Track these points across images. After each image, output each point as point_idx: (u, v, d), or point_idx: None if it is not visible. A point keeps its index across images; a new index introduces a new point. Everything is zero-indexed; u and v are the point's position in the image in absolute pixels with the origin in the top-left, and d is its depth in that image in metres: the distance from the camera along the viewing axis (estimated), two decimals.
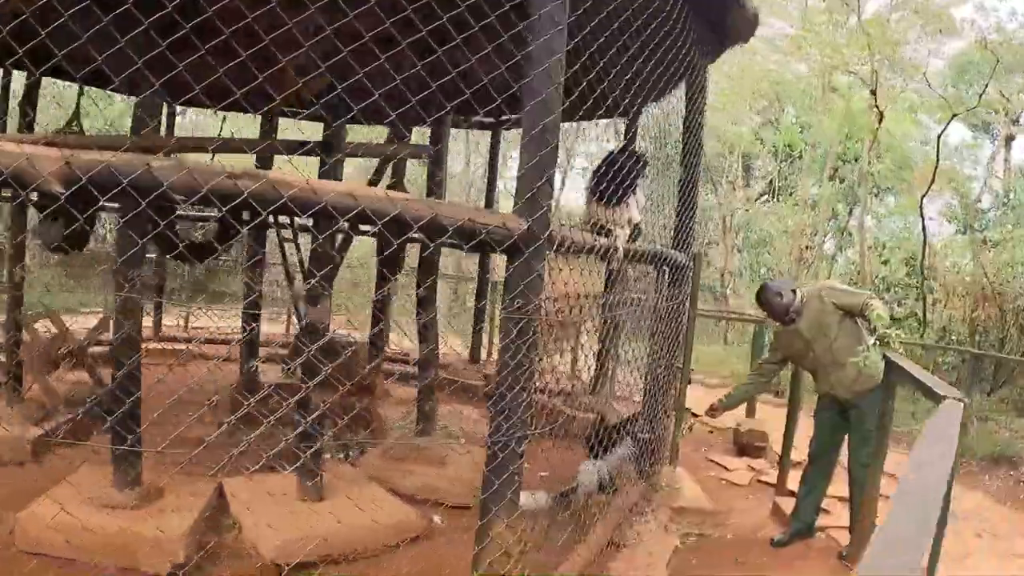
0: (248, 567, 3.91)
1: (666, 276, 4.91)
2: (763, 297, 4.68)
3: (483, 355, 9.54)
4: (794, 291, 4.65)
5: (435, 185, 5.42)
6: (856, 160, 15.68)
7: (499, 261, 12.23)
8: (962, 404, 2.70)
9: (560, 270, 3.50)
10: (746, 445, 7.04)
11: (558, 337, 3.63)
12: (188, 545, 3.95)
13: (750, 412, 7.76)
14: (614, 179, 3.79)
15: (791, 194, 16.49)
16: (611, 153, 4.28)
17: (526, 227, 2.85)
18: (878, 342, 4.10)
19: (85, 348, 6.38)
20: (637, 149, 4.13)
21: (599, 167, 4.01)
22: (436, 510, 5.27)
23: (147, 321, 8.83)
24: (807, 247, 16.80)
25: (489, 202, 8.95)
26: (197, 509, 4.35)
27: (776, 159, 17.65)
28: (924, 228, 14.63)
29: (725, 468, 6.57)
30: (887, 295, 14.49)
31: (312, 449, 4.65)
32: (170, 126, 8.14)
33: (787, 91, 17.61)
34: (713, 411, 5.14)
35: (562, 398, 7.74)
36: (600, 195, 3.88)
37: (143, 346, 8.53)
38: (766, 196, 18.43)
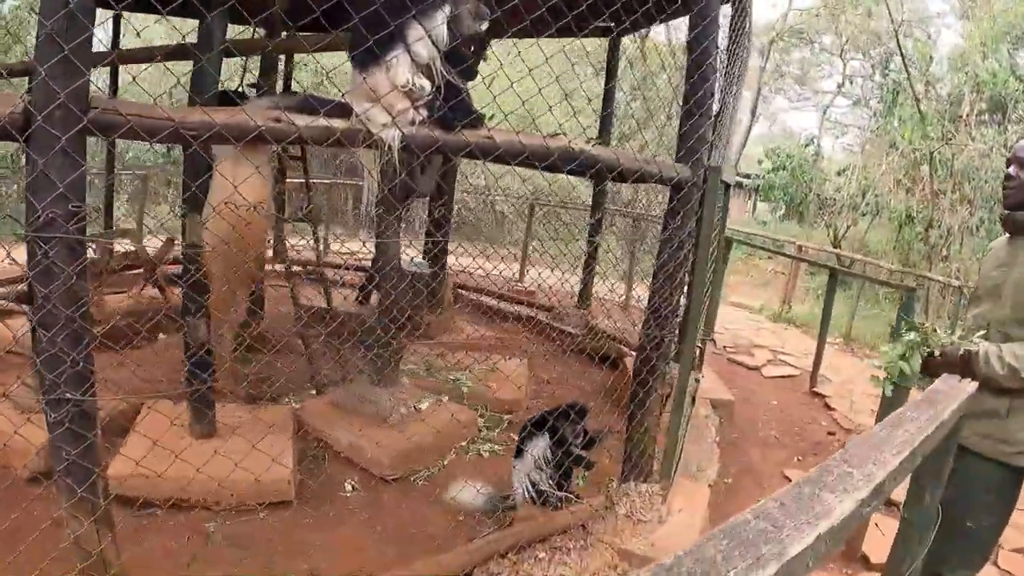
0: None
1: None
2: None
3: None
4: None
5: None
6: None
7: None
8: None
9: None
10: None
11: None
12: (45, 457, 3.57)
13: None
14: (364, 25, 2.04)
15: None
16: None
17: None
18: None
19: (155, 266, 6.15)
20: None
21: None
22: (355, 476, 4.05)
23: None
24: None
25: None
26: None
27: None
28: None
29: None
30: None
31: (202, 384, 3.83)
32: None
33: None
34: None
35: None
36: (351, 55, 2.17)
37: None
38: None
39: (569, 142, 2.57)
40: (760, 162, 18.61)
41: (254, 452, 3.48)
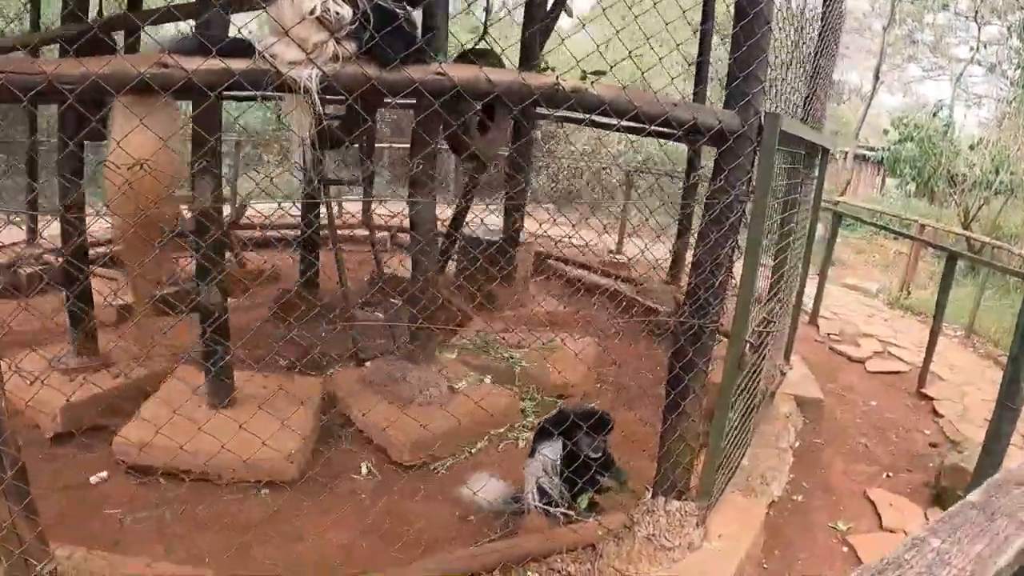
0: (101, 454, 3.42)
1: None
2: None
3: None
4: None
5: None
6: None
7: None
8: None
9: None
10: (945, 492, 3.53)
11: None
12: (64, 421, 3.59)
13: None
14: None
15: None
16: None
17: None
18: None
19: (228, 229, 6.07)
20: None
21: None
22: (372, 459, 3.66)
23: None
24: None
25: None
26: (101, 388, 3.65)
27: None
28: None
29: (879, 521, 3.36)
30: None
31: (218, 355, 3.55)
32: None
33: None
34: None
35: None
36: None
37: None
38: None
39: (557, 78, 1.94)
40: (886, 132, 16.41)
41: (262, 426, 3.15)
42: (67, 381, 3.77)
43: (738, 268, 2.61)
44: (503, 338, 5.20)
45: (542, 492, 2.83)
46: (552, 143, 14.04)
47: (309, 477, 3.35)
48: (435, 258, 3.99)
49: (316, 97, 1.68)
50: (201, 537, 2.92)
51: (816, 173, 4.60)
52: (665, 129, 2.26)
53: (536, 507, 2.82)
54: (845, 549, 3.13)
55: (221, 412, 3.59)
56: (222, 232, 6.10)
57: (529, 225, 7.79)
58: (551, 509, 2.75)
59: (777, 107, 2.81)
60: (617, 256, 8.38)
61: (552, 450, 2.81)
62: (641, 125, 2.23)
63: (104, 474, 3.36)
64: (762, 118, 2.37)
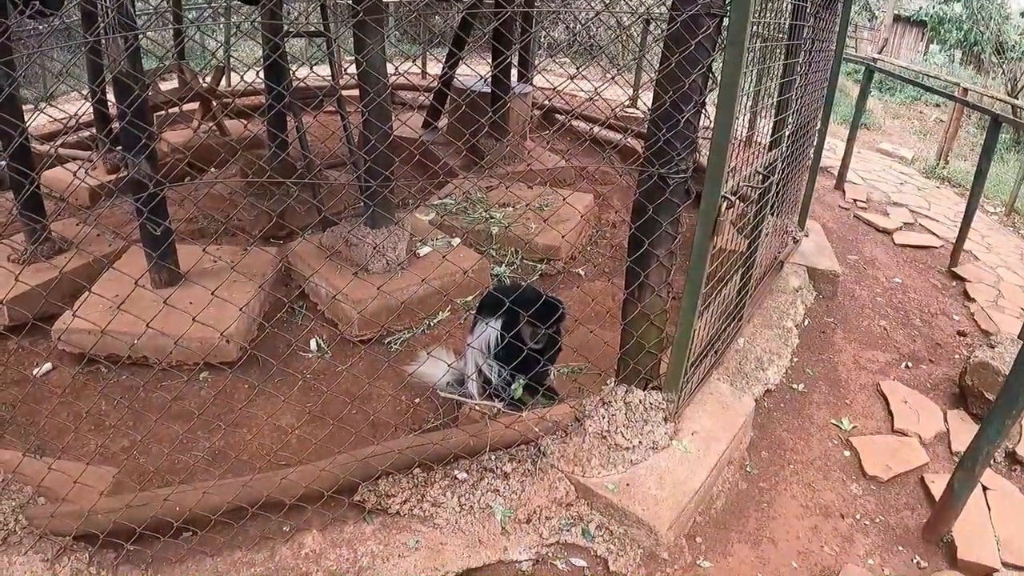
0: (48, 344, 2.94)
1: None
2: None
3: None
4: None
5: None
6: None
7: None
8: None
9: None
10: (970, 392, 2.80)
11: None
12: (10, 312, 2.98)
13: None
14: None
15: None
16: None
17: None
18: None
19: (208, 98, 5.32)
20: None
21: None
22: (324, 335, 3.13)
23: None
24: None
25: None
26: (50, 276, 3.19)
27: None
28: None
29: (891, 421, 2.70)
30: None
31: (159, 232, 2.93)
32: None
33: None
34: None
35: None
36: None
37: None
38: None
39: None
40: None
41: (202, 306, 2.58)
42: (21, 270, 3.21)
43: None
44: (486, 196, 4.49)
45: (484, 378, 2.24)
46: None
47: (255, 358, 2.84)
48: (388, 112, 3.19)
49: None
50: (141, 427, 2.48)
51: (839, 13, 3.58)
52: None
53: (470, 396, 2.25)
54: (847, 453, 2.51)
55: (163, 291, 3.04)
56: (206, 101, 5.37)
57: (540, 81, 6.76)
58: (481, 403, 2.17)
59: None
60: (630, 110, 7.32)
61: (494, 329, 2.18)
62: None
63: (48, 366, 2.92)
64: None
